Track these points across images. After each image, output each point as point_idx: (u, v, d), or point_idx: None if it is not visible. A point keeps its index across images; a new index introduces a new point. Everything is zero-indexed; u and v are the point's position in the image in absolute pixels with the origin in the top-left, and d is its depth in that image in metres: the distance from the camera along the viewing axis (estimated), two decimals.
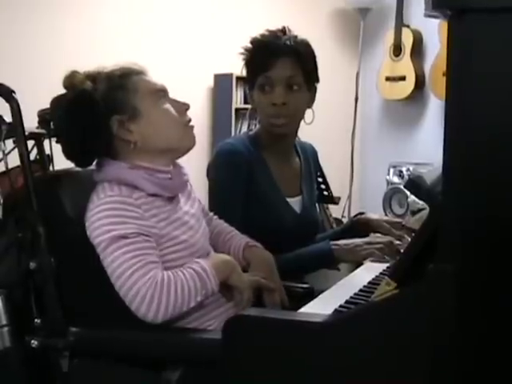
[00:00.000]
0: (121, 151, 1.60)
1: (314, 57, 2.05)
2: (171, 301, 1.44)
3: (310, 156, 2.25)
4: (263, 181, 2.01)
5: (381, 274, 1.74)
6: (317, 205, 2.39)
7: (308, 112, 2.08)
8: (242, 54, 2.04)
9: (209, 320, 1.56)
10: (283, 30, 2.03)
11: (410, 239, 1.96)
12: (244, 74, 2.10)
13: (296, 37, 2.03)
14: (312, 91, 2.07)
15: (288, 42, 1.99)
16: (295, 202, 2.11)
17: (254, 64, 2.02)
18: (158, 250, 1.52)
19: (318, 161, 2.33)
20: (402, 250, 1.92)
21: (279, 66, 1.97)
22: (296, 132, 2.12)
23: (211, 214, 1.86)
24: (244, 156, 1.98)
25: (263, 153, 2.06)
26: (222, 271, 1.54)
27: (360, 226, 2.18)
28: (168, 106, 1.63)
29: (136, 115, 1.58)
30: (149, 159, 1.59)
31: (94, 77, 1.62)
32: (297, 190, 2.14)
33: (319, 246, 2.00)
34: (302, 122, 2.09)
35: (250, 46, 2.04)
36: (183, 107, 1.66)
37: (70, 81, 1.61)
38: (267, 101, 1.99)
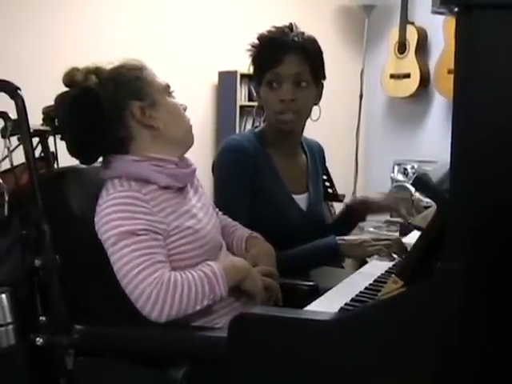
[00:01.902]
0: (137, 141, 1.60)
1: (321, 53, 2.05)
2: (176, 302, 1.44)
3: (317, 153, 2.24)
4: (268, 177, 2.01)
5: (387, 272, 1.73)
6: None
7: (314, 109, 2.08)
8: (249, 50, 2.04)
9: (216, 318, 1.56)
10: (290, 27, 2.03)
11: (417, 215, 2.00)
12: (248, 71, 2.09)
13: (303, 33, 2.02)
14: (319, 88, 2.07)
15: (296, 39, 1.98)
16: (301, 199, 2.10)
17: (262, 60, 2.01)
18: (166, 247, 1.52)
19: (324, 158, 2.32)
20: (409, 249, 1.93)
21: (287, 62, 1.96)
22: (302, 129, 2.11)
23: (217, 209, 1.86)
24: (249, 152, 1.97)
25: (269, 149, 2.05)
26: (233, 277, 1.54)
27: (358, 206, 2.18)
28: (176, 101, 1.65)
29: (154, 104, 1.61)
30: (163, 150, 1.60)
31: (95, 72, 1.63)
32: (303, 188, 2.13)
33: (324, 240, 2.00)
34: (309, 120, 2.08)
35: (256, 42, 2.03)
36: (182, 107, 1.70)
37: (70, 78, 1.62)
38: (275, 97, 1.98)
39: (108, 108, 1.58)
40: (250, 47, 2.04)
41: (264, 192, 1.98)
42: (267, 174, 2.01)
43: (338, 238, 1.98)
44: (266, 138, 2.07)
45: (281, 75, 1.97)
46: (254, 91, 2.14)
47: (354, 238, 1.97)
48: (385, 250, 1.90)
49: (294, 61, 1.97)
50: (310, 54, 2.00)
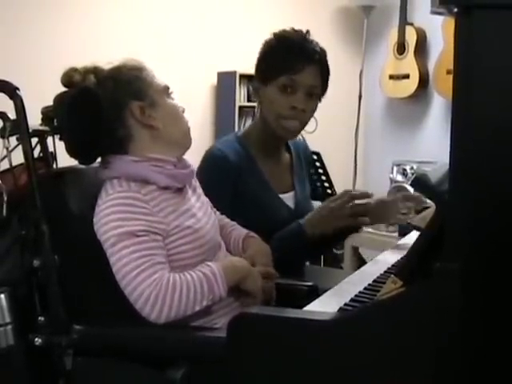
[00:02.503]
0: (136, 141, 1.60)
1: (329, 68, 2.04)
2: (175, 303, 1.44)
3: (302, 153, 2.24)
4: (254, 182, 2.00)
5: (386, 272, 1.73)
6: (320, 203, 2.38)
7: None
8: (263, 46, 2.01)
9: (215, 318, 1.56)
10: (307, 32, 2.01)
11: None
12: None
13: (318, 43, 2.01)
14: (320, 101, 2.07)
15: (317, 49, 1.97)
16: (288, 198, 2.10)
17: (280, 62, 1.97)
18: (166, 247, 1.52)
19: (310, 156, 2.32)
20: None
21: (307, 71, 1.95)
22: None
23: (214, 209, 1.85)
24: (231, 161, 1.95)
25: (252, 151, 2.04)
26: (232, 277, 1.54)
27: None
28: (174, 102, 1.65)
29: (154, 104, 1.61)
30: (162, 150, 1.60)
31: (94, 72, 1.63)
32: (289, 186, 2.13)
33: (289, 227, 1.98)
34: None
35: (273, 40, 2.00)
36: (180, 109, 1.69)
37: (68, 78, 1.62)
38: (285, 102, 1.96)
39: (107, 107, 1.57)
40: (264, 42, 2.01)
41: (251, 197, 1.98)
42: (252, 179, 2.00)
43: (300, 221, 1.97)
44: (251, 139, 2.06)
45: (297, 83, 1.95)
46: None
47: (313, 214, 1.97)
48: (354, 220, 1.91)
49: (313, 72, 1.96)
50: (325, 69, 2.00)
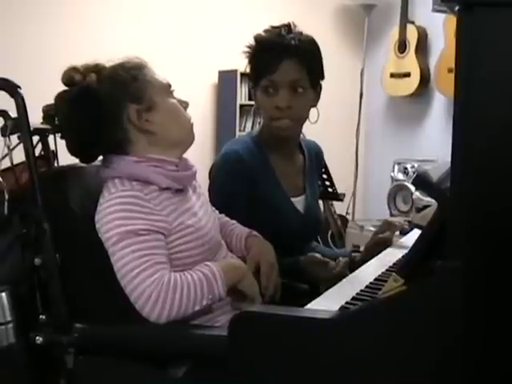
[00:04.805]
0: (134, 144, 1.59)
1: (319, 55, 1.98)
2: (176, 303, 1.44)
3: (314, 154, 2.21)
4: (268, 184, 1.98)
5: (387, 270, 1.73)
6: (321, 201, 2.37)
7: (312, 110, 2.02)
8: (245, 51, 1.98)
9: (216, 317, 1.55)
10: (288, 27, 1.95)
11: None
12: (245, 70, 2.04)
13: (301, 34, 1.94)
14: (317, 89, 2.01)
15: (293, 42, 1.91)
16: (299, 202, 2.08)
17: (257, 65, 1.96)
18: (167, 247, 1.52)
19: (321, 159, 2.29)
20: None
21: (283, 69, 1.90)
22: (300, 131, 2.09)
23: (213, 207, 1.84)
24: (248, 164, 1.93)
25: (267, 152, 2.02)
26: (232, 277, 1.54)
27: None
28: (175, 101, 1.64)
29: (152, 106, 1.59)
30: (162, 152, 1.59)
31: (95, 70, 1.62)
32: (300, 189, 2.11)
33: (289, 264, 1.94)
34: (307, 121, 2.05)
35: (253, 43, 1.97)
36: (183, 105, 1.67)
37: (68, 78, 1.61)
38: (271, 103, 1.93)
39: (106, 107, 1.57)
40: (246, 48, 1.97)
41: (264, 201, 1.95)
42: (266, 181, 1.98)
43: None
44: (264, 140, 2.03)
45: (276, 82, 1.91)
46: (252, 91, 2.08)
47: (316, 255, 1.95)
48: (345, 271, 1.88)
49: (289, 67, 1.90)
50: (306, 58, 1.92)
